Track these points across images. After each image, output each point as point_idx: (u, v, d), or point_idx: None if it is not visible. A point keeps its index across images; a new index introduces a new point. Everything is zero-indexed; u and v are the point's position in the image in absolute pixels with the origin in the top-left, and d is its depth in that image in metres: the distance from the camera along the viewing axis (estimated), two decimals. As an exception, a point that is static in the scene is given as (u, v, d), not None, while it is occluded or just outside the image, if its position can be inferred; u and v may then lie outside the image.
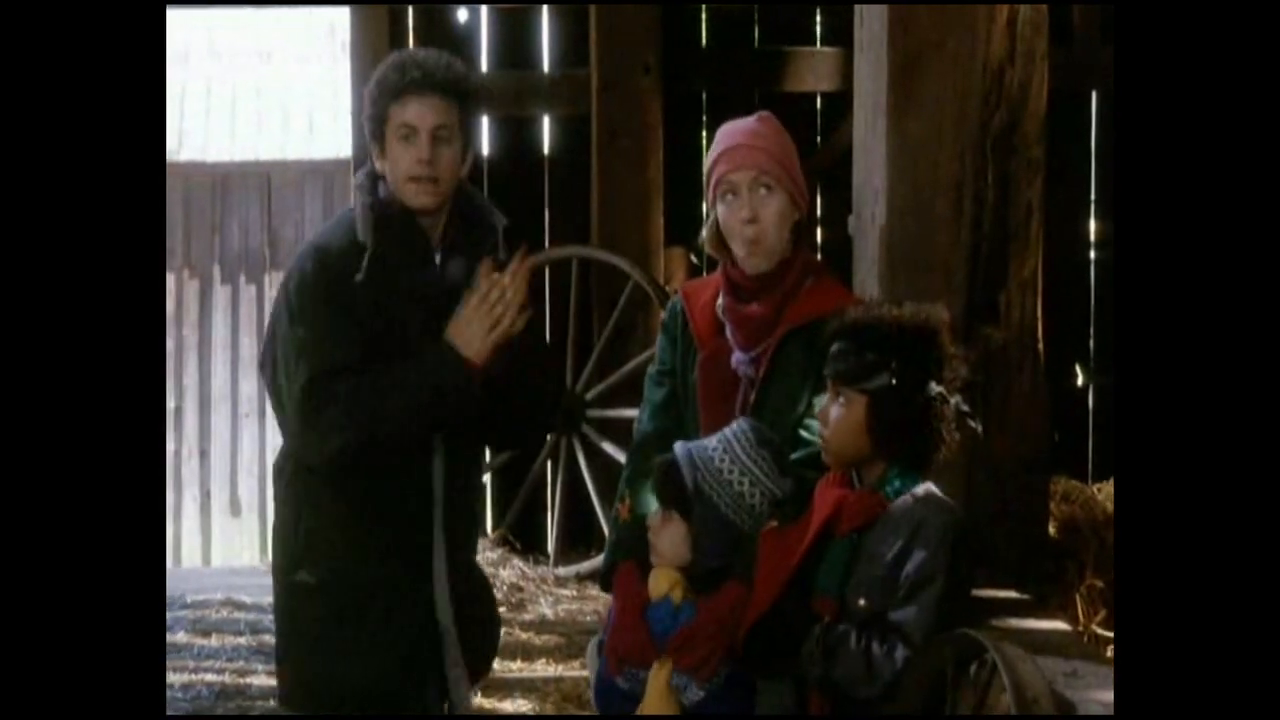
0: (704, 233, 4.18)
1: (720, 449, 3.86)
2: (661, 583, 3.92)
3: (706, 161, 4.17)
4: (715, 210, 4.13)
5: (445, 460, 4.11)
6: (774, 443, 3.87)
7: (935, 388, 3.68)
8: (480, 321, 3.99)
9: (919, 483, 3.71)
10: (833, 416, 3.73)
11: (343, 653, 4.06)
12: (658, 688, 3.85)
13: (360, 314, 3.99)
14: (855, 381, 3.69)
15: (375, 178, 4.11)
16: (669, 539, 3.88)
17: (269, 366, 4.09)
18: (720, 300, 4.14)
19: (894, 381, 3.67)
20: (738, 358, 4.09)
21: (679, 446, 3.91)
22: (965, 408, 3.72)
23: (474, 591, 4.27)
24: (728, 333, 4.12)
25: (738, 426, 3.89)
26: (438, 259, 4.11)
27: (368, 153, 4.16)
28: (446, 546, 4.13)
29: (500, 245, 4.15)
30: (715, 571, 3.87)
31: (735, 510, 3.83)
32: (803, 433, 3.95)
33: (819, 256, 4.31)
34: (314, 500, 4.08)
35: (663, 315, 6.57)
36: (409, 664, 4.10)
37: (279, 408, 4.08)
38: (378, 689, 4.07)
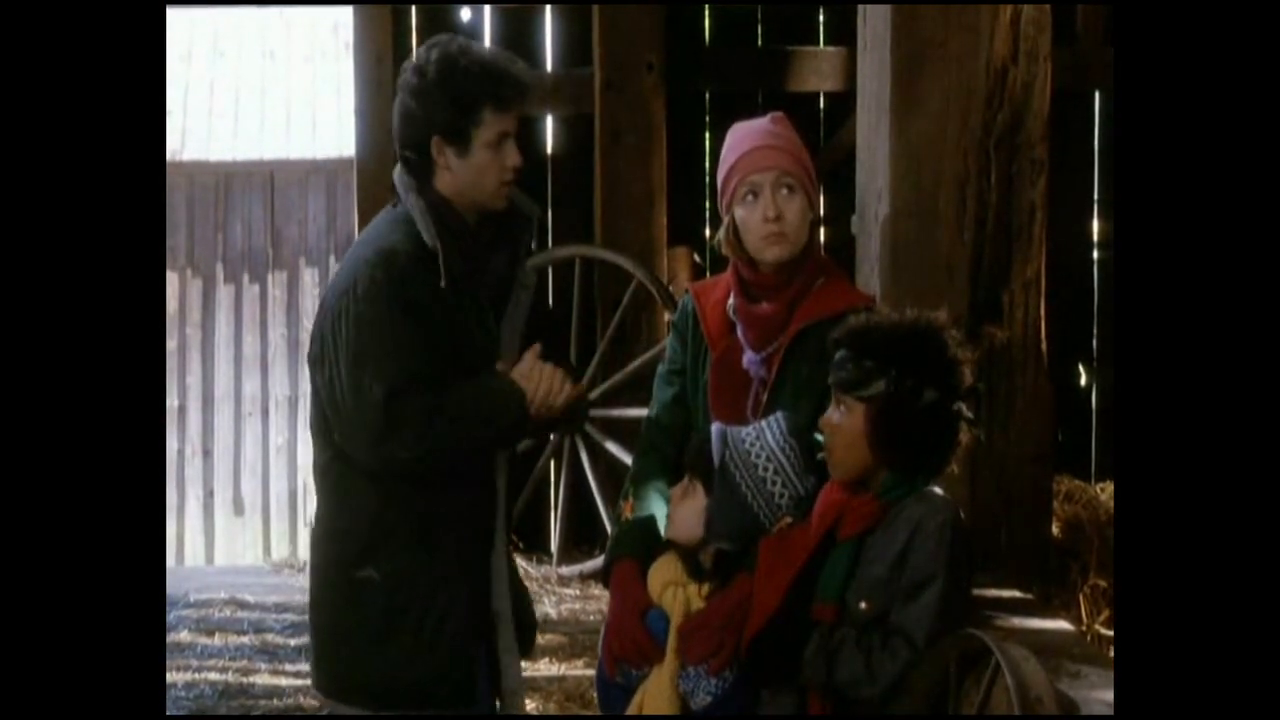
0: (720, 234, 4.17)
1: (753, 434, 3.89)
2: (658, 579, 3.92)
3: (723, 163, 4.16)
4: (732, 212, 4.12)
5: (506, 456, 4.16)
6: (806, 437, 3.88)
7: (932, 394, 3.67)
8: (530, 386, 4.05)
9: (921, 486, 3.70)
10: (835, 426, 3.73)
11: (403, 647, 4.05)
12: (660, 688, 3.85)
13: (432, 321, 3.99)
14: (854, 389, 3.69)
15: (418, 175, 4.07)
16: (687, 510, 3.91)
17: (324, 368, 4.02)
18: (731, 300, 4.14)
19: (892, 389, 3.66)
20: (749, 358, 4.09)
21: (715, 425, 3.94)
22: (968, 414, 3.72)
23: (516, 582, 4.32)
24: (739, 332, 4.12)
25: (774, 417, 3.93)
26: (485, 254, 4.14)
27: (404, 150, 4.08)
28: (505, 537, 4.17)
29: (534, 235, 4.21)
30: (724, 558, 3.88)
31: (755, 495, 3.85)
32: (818, 436, 3.95)
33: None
34: (372, 499, 4.06)
35: (670, 315, 6.57)
36: (465, 654, 4.11)
37: (334, 413, 4.01)
38: (433, 680, 4.08)
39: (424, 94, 4.03)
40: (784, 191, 4.07)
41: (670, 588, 3.91)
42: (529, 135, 8.59)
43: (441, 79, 4.01)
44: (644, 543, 4.03)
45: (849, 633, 3.60)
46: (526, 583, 7.83)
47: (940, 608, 3.56)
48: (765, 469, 3.86)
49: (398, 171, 4.12)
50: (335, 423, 4.03)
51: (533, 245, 4.23)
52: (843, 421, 3.71)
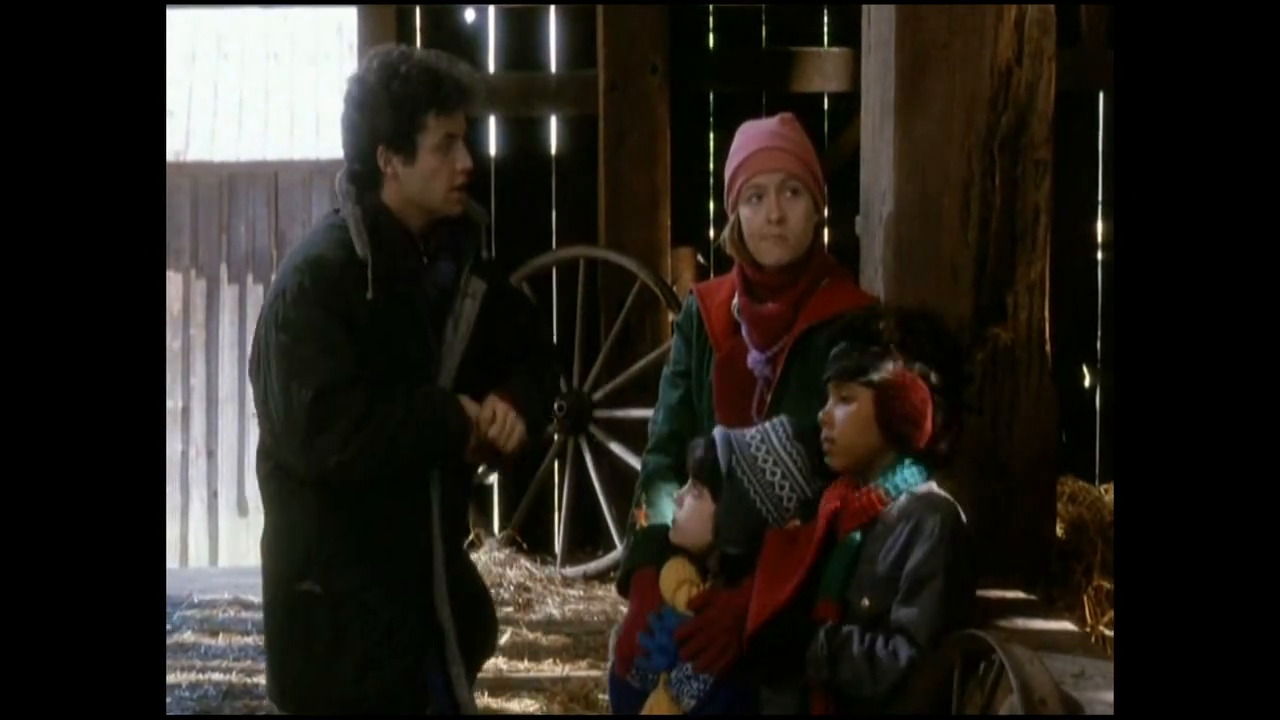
0: (724, 234, 4.18)
1: (758, 437, 3.88)
2: (672, 578, 3.92)
3: (729, 162, 4.16)
4: (737, 211, 4.12)
5: (441, 469, 4.12)
6: (811, 440, 3.88)
7: (937, 377, 3.70)
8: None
9: (923, 479, 3.71)
10: (839, 417, 3.73)
11: (353, 663, 4.05)
12: (659, 692, 3.86)
13: (361, 328, 3.98)
14: (860, 375, 3.71)
15: (363, 184, 4.05)
16: (695, 516, 3.90)
17: (260, 376, 4.05)
18: (736, 300, 4.14)
19: (900, 370, 3.69)
20: (754, 358, 4.09)
21: (718, 430, 3.93)
22: (969, 401, 3.76)
23: (470, 591, 4.30)
24: (743, 333, 4.12)
25: (778, 420, 3.92)
26: (424, 263, 4.09)
27: (352, 162, 4.07)
28: (444, 549, 4.13)
29: (483, 244, 4.15)
30: (734, 561, 3.87)
31: (763, 499, 3.84)
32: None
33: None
34: (311, 510, 4.06)
35: (674, 316, 6.57)
36: (415, 668, 4.10)
37: (266, 419, 4.04)
38: (384, 696, 4.07)
39: (365, 104, 4.00)
40: (788, 194, 4.07)
41: (684, 586, 3.91)
42: (534, 136, 8.61)
43: (382, 87, 3.99)
44: (661, 550, 4.03)
45: (852, 631, 3.60)
46: (530, 584, 7.92)
47: (941, 607, 3.56)
48: (773, 473, 3.85)
49: (339, 178, 4.09)
50: (269, 429, 4.04)
51: (483, 253, 4.17)
52: (849, 409, 3.72)
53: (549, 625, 7.45)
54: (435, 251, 4.10)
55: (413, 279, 4.05)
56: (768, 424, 3.92)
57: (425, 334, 4.05)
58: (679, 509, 3.95)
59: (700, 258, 8.56)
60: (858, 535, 3.69)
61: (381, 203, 4.04)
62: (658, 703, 3.86)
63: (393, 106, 3.98)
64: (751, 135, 4.16)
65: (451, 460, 4.07)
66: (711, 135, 8.69)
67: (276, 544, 4.14)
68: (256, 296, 11.14)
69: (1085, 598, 5.80)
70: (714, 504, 3.88)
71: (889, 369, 3.69)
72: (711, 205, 8.57)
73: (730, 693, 3.80)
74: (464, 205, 4.09)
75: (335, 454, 3.93)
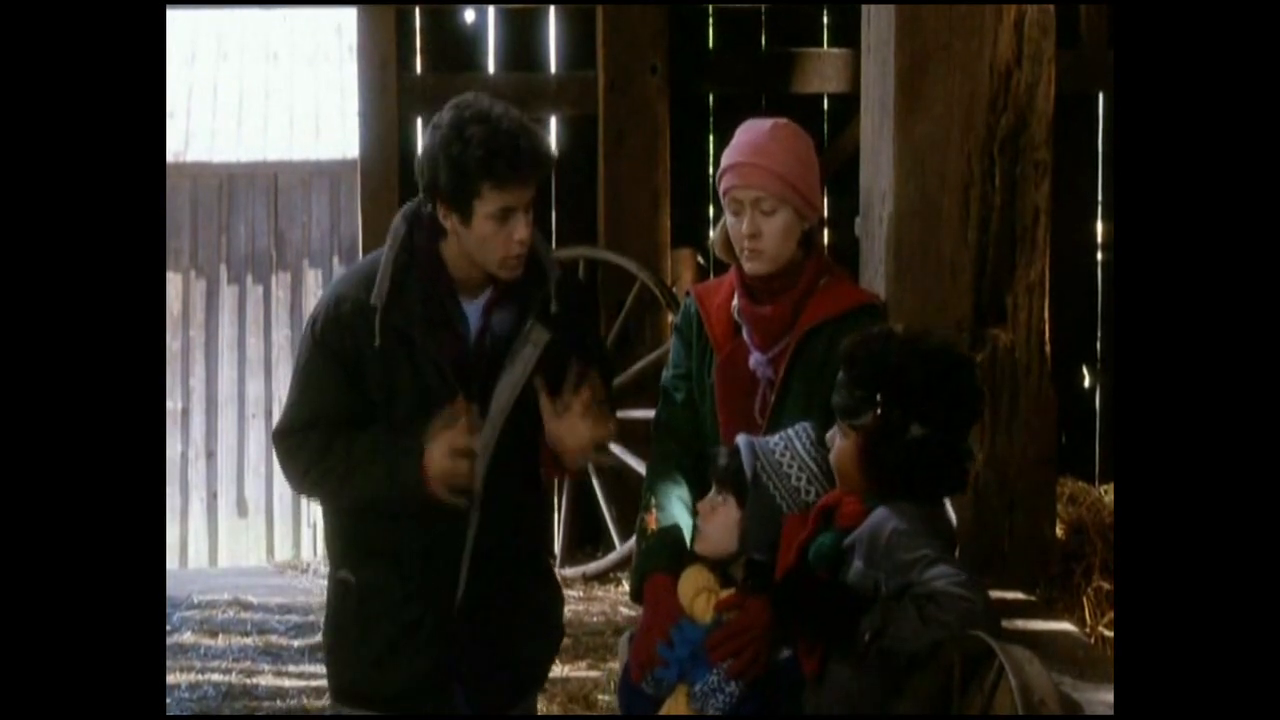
0: (714, 234, 4.19)
1: (782, 444, 3.88)
2: (690, 586, 3.91)
3: (721, 163, 4.16)
4: (724, 216, 4.13)
5: (487, 461, 4.06)
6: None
7: (919, 429, 3.61)
8: (442, 448, 3.95)
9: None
10: (836, 445, 3.72)
11: (376, 651, 4.10)
12: (678, 701, 3.86)
13: (363, 373, 3.99)
14: (846, 417, 3.67)
15: (414, 225, 4.01)
16: (720, 524, 3.89)
17: None
18: (735, 301, 4.14)
19: (881, 421, 3.62)
20: (755, 359, 4.08)
21: (741, 437, 3.91)
22: (967, 446, 3.66)
23: (511, 620, 4.19)
24: (744, 334, 4.11)
25: (800, 426, 3.91)
26: (481, 309, 4.02)
27: (425, 198, 3.99)
28: (473, 550, 4.08)
29: (553, 296, 4.05)
30: (759, 567, 3.86)
31: (789, 505, 3.84)
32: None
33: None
34: (343, 513, 4.17)
35: (674, 317, 6.57)
36: (433, 668, 4.10)
37: None
38: (401, 688, 4.10)
39: (432, 156, 3.92)
40: (764, 210, 4.05)
41: (702, 594, 3.90)
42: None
43: (445, 145, 3.90)
44: (675, 554, 4.01)
45: (902, 601, 3.51)
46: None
47: (954, 565, 3.48)
48: (799, 478, 3.85)
49: (399, 215, 4.06)
50: None
51: (551, 306, 4.05)
52: (842, 444, 3.70)
53: (548, 626, 7.42)
54: (498, 299, 4.03)
55: (440, 328, 3.99)
56: (790, 430, 3.91)
57: (448, 381, 3.99)
58: (703, 518, 3.94)
59: (700, 259, 8.56)
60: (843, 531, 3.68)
61: (434, 249, 3.98)
62: (675, 705, 3.86)
63: (450, 169, 3.89)
64: (738, 143, 4.12)
65: (408, 507, 4.00)
66: (711, 136, 8.70)
67: (326, 535, 4.28)
68: (256, 297, 11.15)
69: (1085, 599, 5.81)
70: (739, 511, 3.87)
71: (869, 419, 3.62)
72: (711, 207, 8.57)
73: (757, 703, 3.79)
74: (519, 272, 3.99)
75: (294, 486, 4.18)
